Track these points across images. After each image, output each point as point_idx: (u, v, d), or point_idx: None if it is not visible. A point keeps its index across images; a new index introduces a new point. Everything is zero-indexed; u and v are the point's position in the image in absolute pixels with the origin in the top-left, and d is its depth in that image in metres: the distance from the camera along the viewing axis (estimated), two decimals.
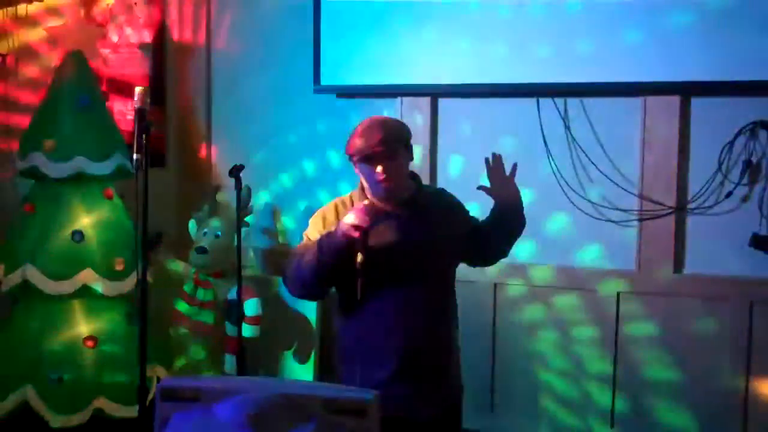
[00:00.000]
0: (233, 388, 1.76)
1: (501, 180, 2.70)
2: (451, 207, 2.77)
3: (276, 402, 1.73)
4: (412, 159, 2.66)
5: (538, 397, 4.05)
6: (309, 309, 4.19)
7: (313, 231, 2.64)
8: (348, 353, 2.69)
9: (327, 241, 2.50)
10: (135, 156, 2.74)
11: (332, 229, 2.53)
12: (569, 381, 4.01)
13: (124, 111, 4.77)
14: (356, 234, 2.42)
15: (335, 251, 2.47)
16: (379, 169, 2.52)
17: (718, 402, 3.75)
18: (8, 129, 4.88)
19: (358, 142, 2.54)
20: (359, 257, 2.43)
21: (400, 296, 2.56)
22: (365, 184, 2.61)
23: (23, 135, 4.17)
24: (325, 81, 4.25)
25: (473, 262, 2.92)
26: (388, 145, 2.53)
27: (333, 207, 2.67)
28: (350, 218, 2.43)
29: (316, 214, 2.71)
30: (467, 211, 2.83)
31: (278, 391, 1.76)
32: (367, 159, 2.53)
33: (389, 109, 4.20)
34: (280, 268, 4.29)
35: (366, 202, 2.49)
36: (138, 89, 2.79)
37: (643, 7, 3.72)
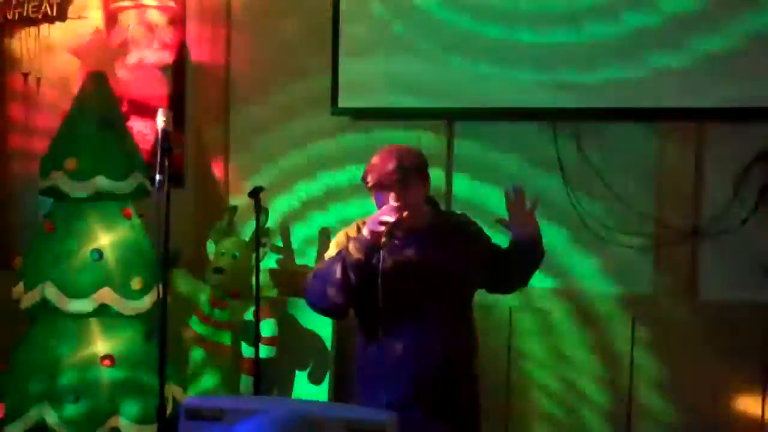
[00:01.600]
0: (256, 409, 1.78)
1: (521, 214, 2.70)
2: (471, 233, 2.79)
3: (298, 423, 1.75)
4: (428, 186, 2.68)
5: (553, 419, 4.04)
6: (324, 329, 4.20)
7: (334, 250, 2.66)
8: (365, 376, 2.70)
9: (353, 242, 2.52)
10: (157, 177, 2.76)
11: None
12: (584, 406, 4.00)
13: (143, 131, 4.82)
14: (381, 228, 2.44)
15: (361, 251, 2.49)
16: (392, 197, 2.54)
17: (735, 428, 3.73)
18: (29, 148, 4.95)
19: (374, 171, 2.59)
20: (384, 239, 2.44)
21: (416, 321, 2.58)
22: None
23: (44, 154, 4.22)
24: (342, 103, 4.29)
25: (492, 290, 2.93)
26: (403, 173, 2.55)
27: (355, 227, 2.70)
28: (378, 214, 2.47)
29: (338, 234, 2.73)
30: (488, 238, 2.84)
31: (300, 412, 1.78)
32: (381, 187, 2.56)
33: (405, 132, 4.24)
34: (292, 288, 4.37)
35: (395, 203, 2.50)
36: (161, 110, 2.83)
37: (659, 34, 3.74)
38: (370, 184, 2.61)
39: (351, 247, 2.52)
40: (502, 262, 2.77)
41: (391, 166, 2.56)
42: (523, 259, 2.78)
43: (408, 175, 2.57)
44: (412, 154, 2.65)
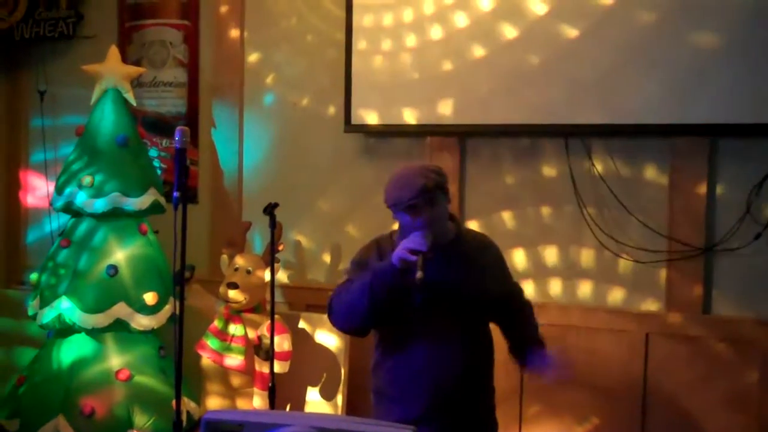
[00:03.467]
0: (276, 423, 1.80)
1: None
2: (491, 257, 2.80)
3: None
4: (449, 202, 2.70)
5: None
6: (336, 345, 4.22)
7: (355, 268, 2.68)
8: (382, 390, 2.72)
9: (381, 268, 2.52)
10: (175, 194, 2.79)
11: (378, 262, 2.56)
12: (597, 421, 4.00)
13: (158, 148, 4.87)
14: (413, 258, 2.43)
15: (389, 277, 2.48)
16: (420, 221, 2.54)
17: None
18: (45, 165, 5.00)
19: (399, 193, 2.56)
20: (419, 274, 2.41)
21: (434, 336, 2.59)
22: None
23: (61, 171, 4.27)
24: (355, 121, 4.32)
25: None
26: (428, 193, 2.56)
27: (374, 244, 2.71)
28: (407, 243, 2.46)
29: (357, 252, 2.75)
30: (507, 270, 2.86)
31: (319, 426, 1.79)
32: (408, 209, 2.56)
33: (417, 149, 4.27)
34: (304, 303, 4.40)
35: (425, 230, 2.51)
36: (179, 129, 2.86)
37: (671, 48, 3.77)
38: (397, 208, 2.59)
39: (379, 272, 2.51)
40: (509, 315, 2.84)
41: (416, 188, 2.54)
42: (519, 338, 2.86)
43: (433, 194, 2.58)
44: (433, 171, 2.65)
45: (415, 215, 2.55)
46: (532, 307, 2.95)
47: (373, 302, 2.50)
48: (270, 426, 1.78)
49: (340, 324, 2.67)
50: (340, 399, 4.21)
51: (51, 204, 4.29)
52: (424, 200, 2.55)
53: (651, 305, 3.93)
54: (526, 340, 2.84)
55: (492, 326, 2.86)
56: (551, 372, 2.76)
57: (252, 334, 4.09)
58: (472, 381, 2.67)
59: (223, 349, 4.10)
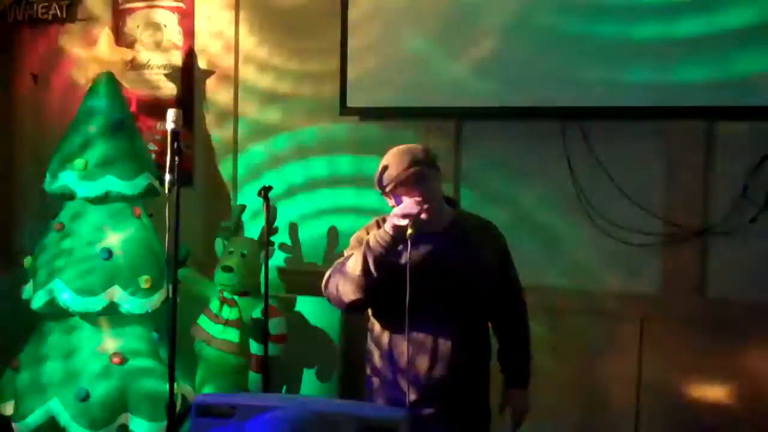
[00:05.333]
0: (267, 405, 1.79)
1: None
2: (492, 244, 2.77)
3: (309, 420, 1.75)
4: (440, 180, 2.69)
5: (560, 419, 4.04)
6: (331, 327, 4.22)
7: (355, 244, 2.66)
8: (376, 373, 2.71)
9: (375, 237, 2.51)
10: (167, 177, 2.78)
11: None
12: (592, 404, 4.00)
13: (152, 131, 4.84)
14: (405, 222, 2.43)
15: (383, 246, 2.48)
16: (411, 194, 2.53)
17: (744, 426, 3.73)
18: (38, 148, 4.97)
19: (391, 171, 2.57)
20: (410, 231, 2.44)
21: (429, 319, 2.58)
22: None
23: (54, 154, 4.24)
24: (351, 103, 4.30)
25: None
26: (419, 168, 2.55)
27: (374, 223, 2.70)
28: (399, 210, 2.47)
29: (358, 232, 2.73)
30: (509, 262, 2.84)
31: (311, 409, 1.79)
32: (401, 184, 2.55)
33: (413, 132, 4.25)
34: (300, 286, 4.39)
35: (418, 198, 2.50)
36: (171, 111, 2.84)
37: (668, 30, 3.74)
38: (388, 188, 2.59)
39: (372, 241, 2.50)
40: (503, 312, 2.84)
41: (405, 164, 2.56)
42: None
43: (424, 169, 2.57)
44: (422, 149, 2.65)
45: (407, 191, 2.53)
46: (527, 310, 2.92)
47: (367, 272, 2.49)
48: (261, 409, 1.78)
49: (333, 298, 2.64)
50: (335, 381, 4.21)
51: (44, 187, 4.27)
52: (414, 175, 2.54)
53: (646, 288, 3.92)
54: (511, 352, 2.86)
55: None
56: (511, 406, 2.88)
57: (247, 317, 4.08)
58: (465, 367, 2.66)
59: (218, 332, 4.10)
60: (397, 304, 2.52)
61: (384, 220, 2.59)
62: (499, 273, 2.75)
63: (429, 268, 2.57)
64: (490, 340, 2.79)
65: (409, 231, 2.43)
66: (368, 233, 2.62)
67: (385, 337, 2.67)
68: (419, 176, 2.55)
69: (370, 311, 2.74)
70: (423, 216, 2.45)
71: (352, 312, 2.79)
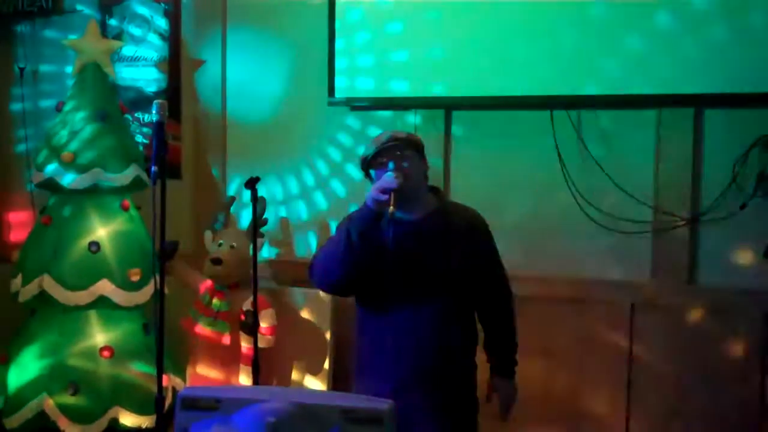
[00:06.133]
0: (252, 398, 1.77)
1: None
2: (476, 234, 2.75)
3: (295, 412, 1.74)
4: (426, 165, 2.70)
5: (551, 407, 4.04)
6: (322, 319, 4.21)
7: (341, 227, 2.66)
8: (361, 362, 2.71)
9: (357, 214, 2.54)
10: (153, 168, 2.76)
11: None
12: (583, 392, 4.00)
13: (139, 123, 4.82)
14: (385, 197, 2.45)
15: (364, 221, 2.50)
16: (390, 165, 2.55)
17: (733, 415, 3.74)
18: (26, 141, 4.94)
19: (369, 146, 2.63)
20: (391, 209, 2.44)
21: (413, 307, 2.58)
22: None
23: (41, 147, 4.22)
24: (339, 94, 4.28)
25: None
26: (397, 141, 2.60)
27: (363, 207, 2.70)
28: (378, 184, 2.49)
29: (342, 220, 2.73)
30: (493, 251, 2.81)
31: (297, 401, 1.77)
32: (378, 156, 2.58)
33: (403, 122, 4.23)
34: (291, 278, 4.38)
35: (395, 174, 2.51)
36: (157, 102, 2.82)
37: (658, 16, 3.74)
38: (367, 162, 2.64)
39: (355, 216, 2.53)
40: (489, 299, 2.82)
41: (384, 137, 2.63)
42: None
43: (402, 144, 2.61)
44: (406, 133, 2.74)
45: (386, 162, 2.55)
46: (513, 299, 2.90)
47: (350, 249, 2.50)
48: (247, 402, 1.76)
49: (318, 277, 2.65)
50: (326, 374, 4.20)
51: (31, 180, 4.24)
52: (393, 147, 2.59)
53: (636, 275, 3.92)
54: (497, 341, 2.84)
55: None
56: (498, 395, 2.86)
57: (236, 308, 4.07)
58: (449, 356, 2.65)
59: (208, 325, 4.09)
60: (380, 288, 2.52)
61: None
62: (483, 260, 2.74)
63: (412, 253, 2.57)
64: (476, 328, 2.78)
65: (391, 208, 2.43)
66: (352, 219, 2.63)
67: (368, 329, 2.67)
68: (396, 148, 2.58)
69: (356, 298, 2.73)
70: (399, 182, 2.45)
71: (336, 292, 2.81)
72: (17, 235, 4.49)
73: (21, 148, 5.06)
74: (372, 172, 2.65)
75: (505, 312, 2.85)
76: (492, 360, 2.83)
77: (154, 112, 2.82)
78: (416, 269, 2.58)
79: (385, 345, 2.61)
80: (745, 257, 3.73)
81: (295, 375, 4.26)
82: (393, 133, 2.66)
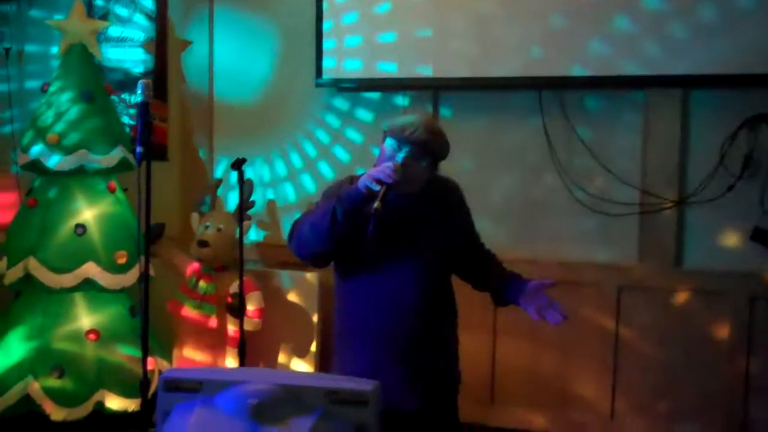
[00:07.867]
0: (235, 380, 1.77)
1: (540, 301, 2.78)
2: (458, 200, 2.76)
3: (278, 393, 1.74)
4: (432, 173, 2.64)
5: (537, 390, 4.06)
6: (309, 302, 4.20)
7: (324, 198, 2.63)
8: (341, 335, 2.70)
9: (346, 191, 2.49)
10: (138, 149, 2.74)
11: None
12: (569, 374, 4.01)
13: (126, 104, 4.78)
14: (377, 188, 2.41)
15: (352, 201, 2.46)
16: (400, 158, 2.50)
17: (718, 397, 3.76)
18: (11, 122, 4.90)
19: (407, 128, 2.52)
20: (377, 203, 2.40)
21: (394, 278, 2.57)
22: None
23: (26, 128, 4.18)
24: (326, 75, 4.25)
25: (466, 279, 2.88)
26: (425, 151, 2.53)
27: (347, 179, 2.67)
28: (375, 172, 2.43)
29: (329, 185, 2.70)
30: (468, 215, 2.80)
31: (279, 382, 1.77)
32: (399, 141, 2.52)
33: (391, 104, 4.22)
34: (278, 261, 4.36)
35: (396, 163, 2.46)
36: (142, 83, 2.80)
37: (644, 0, 3.73)
38: (390, 132, 2.55)
39: (344, 195, 2.49)
40: (482, 264, 2.79)
41: (424, 137, 2.52)
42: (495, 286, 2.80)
43: (428, 156, 2.55)
44: (442, 141, 2.61)
45: (401, 150, 2.51)
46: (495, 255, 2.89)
47: (334, 223, 2.48)
48: (228, 383, 1.76)
49: (297, 246, 2.62)
50: (313, 356, 4.20)
51: (17, 162, 4.21)
52: (417, 152, 2.51)
53: (623, 258, 3.92)
54: (501, 276, 2.80)
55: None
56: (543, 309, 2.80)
57: (223, 291, 4.06)
58: (431, 329, 2.64)
59: (194, 308, 4.08)
60: (361, 260, 2.53)
61: (357, 178, 2.56)
62: (467, 229, 2.77)
63: (400, 224, 2.56)
64: (455, 303, 2.77)
65: (377, 203, 2.41)
66: (338, 188, 2.60)
67: (350, 303, 2.66)
68: (418, 153, 2.51)
69: (335, 271, 2.72)
70: (395, 178, 2.42)
71: (314, 263, 2.75)
72: (2, 217, 4.44)
73: (6, 129, 5.01)
74: (387, 141, 2.59)
75: (494, 259, 2.84)
76: (505, 287, 2.80)
77: (138, 91, 2.79)
78: (397, 242, 2.57)
79: (367, 319, 2.60)
80: (732, 239, 3.74)
81: (282, 357, 4.26)
82: (425, 127, 2.53)
